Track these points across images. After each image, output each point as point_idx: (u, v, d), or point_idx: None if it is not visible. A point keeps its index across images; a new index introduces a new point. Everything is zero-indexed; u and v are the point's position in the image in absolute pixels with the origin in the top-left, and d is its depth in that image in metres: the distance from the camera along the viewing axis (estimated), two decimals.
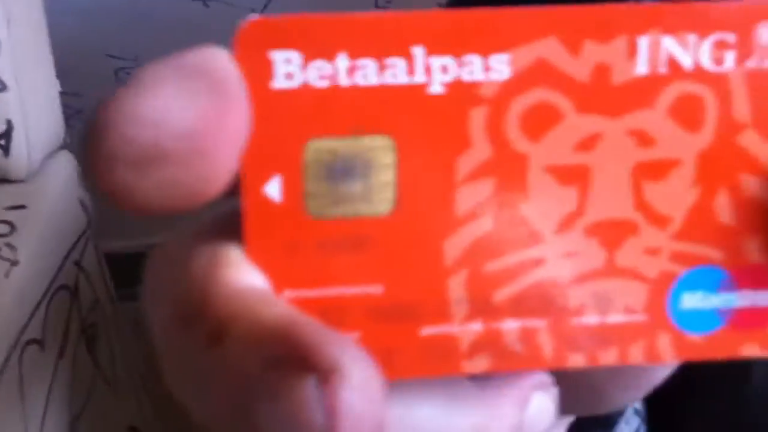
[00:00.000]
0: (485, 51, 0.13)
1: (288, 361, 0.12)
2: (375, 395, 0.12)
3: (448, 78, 0.14)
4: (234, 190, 0.13)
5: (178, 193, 0.12)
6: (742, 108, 0.14)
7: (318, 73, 0.13)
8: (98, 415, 0.67)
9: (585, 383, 0.18)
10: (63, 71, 0.74)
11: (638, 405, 0.47)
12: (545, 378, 0.17)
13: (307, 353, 0.12)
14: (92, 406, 0.66)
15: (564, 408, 0.18)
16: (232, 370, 0.12)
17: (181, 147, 0.12)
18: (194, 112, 0.12)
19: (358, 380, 0.12)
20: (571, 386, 0.18)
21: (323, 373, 0.11)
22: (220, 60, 0.12)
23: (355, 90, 0.13)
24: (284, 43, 0.13)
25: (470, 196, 0.14)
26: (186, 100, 0.12)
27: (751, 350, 0.15)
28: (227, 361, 0.12)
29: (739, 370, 0.45)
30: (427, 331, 0.14)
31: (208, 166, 0.12)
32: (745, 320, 0.15)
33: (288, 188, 0.13)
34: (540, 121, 0.14)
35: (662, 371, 0.19)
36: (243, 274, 0.13)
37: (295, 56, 0.13)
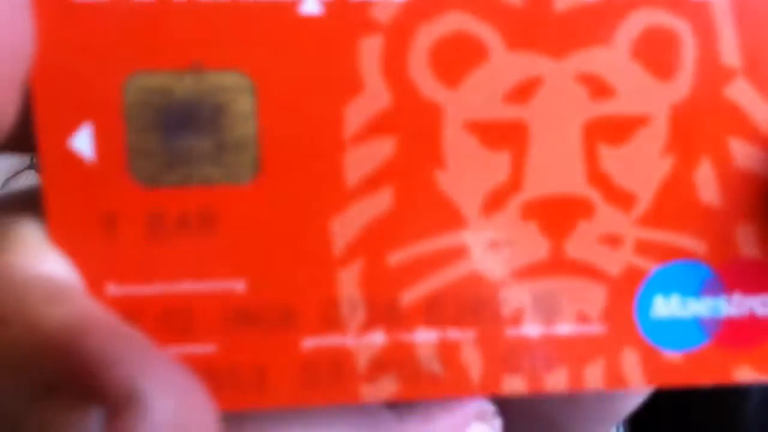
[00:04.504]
0: None
1: (66, 387, 0.08)
2: None
3: None
4: (27, 143, 0.10)
5: None
6: (730, 49, 0.11)
7: None
8: None
9: (535, 413, 0.16)
10: None
11: None
12: (485, 405, 0.14)
13: (89, 372, 0.08)
14: None
15: None
16: None
17: None
18: None
19: (168, 416, 0.08)
20: (519, 416, 0.16)
21: (112, 403, 0.08)
22: None
23: (195, 5, 0.10)
24: None
25: (364, 159, 0.11)
26: None
27: (744, 374, 0.12)
28: None
29: (730, 402, 0.43)
30: (311, 342, 0.11)
31: None
32: (737, 334, 0.12)
33: (103, 142, 0.10)
34: (457, 60, 0.11)
35: (634, 398, 0.16)
36: (36, 260, 0.10)
37: None
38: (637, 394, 0.16)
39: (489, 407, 0.14)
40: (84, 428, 0.08)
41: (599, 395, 0.16)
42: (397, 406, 0.14)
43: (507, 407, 0.15)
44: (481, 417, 0.14)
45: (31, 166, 0.64)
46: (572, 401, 0.16)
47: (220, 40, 0.10)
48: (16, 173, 0.58)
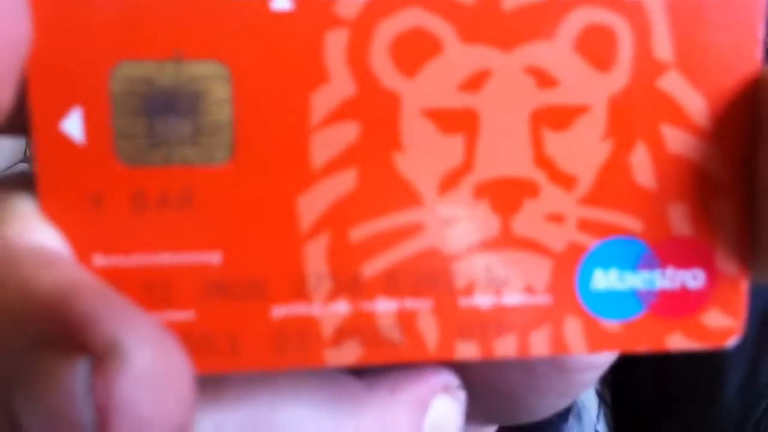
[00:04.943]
0: None
1: (56, 340, 0.09)
2: (172, 389, 0.09)
3: None
4: (21, 126, 0.11)
5: None
6: (663, 44, 0.12)
7: None
8: None
9: (496, 387, 0.16)
10: None
11: (601, 429, 0.44)
12: (450, 379, 0.15)
13: (77, 327, 0.09)
14: None
15: (474, 416, 0.16)
16: None
17: None
18: None
19: (146, 366, 0.09)
20: (481, 390, 0.16)
21: (97, 354, 0.09)
22: None
23: (175, 1, 0.11)
24: None
25: (329, 143, 0.11)
26: None
27: (677, 341, 0.13)
28: None
29: (708, 388, 0.43)
30: (280, 311, 0.12)
31: None
32: (670, 305, 0.13)
33: (92, 125, 0.11)
34: (414, 52, 0.11)
35: (587, 374, 0.16)
36: (29, 231, 0.10)
37: None
38: (591, 370, 0.17)
39: (454, 380, 0.14)
40: (73, 376, 0.09)
41: (554, 368, 0.16)
42: (367, 378, 0.14)
43: (470, 380, 0.15)
44: (445, 389, 0.14)
45: (24, 160, 0.63)
46: (529, 374, 0.16)
47: (199, 33, 0.11)
48: (9, 167, 0.57)
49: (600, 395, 0.46)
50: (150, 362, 0.09)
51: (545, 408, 0.17)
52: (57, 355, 0.09)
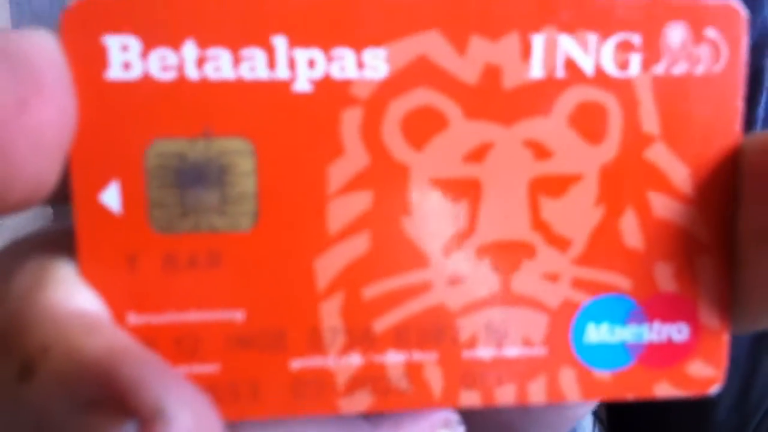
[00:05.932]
0: (358, 44, 0.12)
1: (103, 404, 0.10)
2: None
3: (316, 74, 0.12)
4: (63, 197, 0.12)
5: None
6: (649, 118, 0.13)
7: (161, 64, 0.12)
8: None
9: (495, 421, 0.17)
10: None
11: None
12: (450, 415, 0.15)
13: (124, 393, 0.10)
14: None
15: None
16: (40, 413, 0.10)
17: None
18: None
19: (187, 428, 0.10)
20: (480, 424, 0.17)
21: (143, 418, 0.10)
22: (36, 43, 0.11)
23: (206, 85, 0.12)
24: (121, 26, 0.11)
25: (344, 210, 0.12)
26: None
27: (663, 390, 0.14)
28: (35, 402, 0.10)
29: (701, 406, 0.43)
30: (298, 363, 0.13)
31: (7, 166, 0.10)
32: (657, 356, 0.13)
33: (128, 196, 0.12)
34: (423, 127, 0.12)
35: (581, 408, 0.17)
36: (72, 295, 0.11)
37: (133, 42, 0.11)
38: (585, 404, 0.18)
39: (453, 416, 0.15)
40: None
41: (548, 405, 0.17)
42: (371, 417, 0.15)
43: (469, 415, 0.15)
44: (446, 425, 0.15)
45: None
46: (526, 409, 0.17)
47: (227, 112, 0.12)
48: None
49: (595, 413, 0.47)
50: (190, 424, 0.10)
51: None
52: (106, 417, 0.10)
